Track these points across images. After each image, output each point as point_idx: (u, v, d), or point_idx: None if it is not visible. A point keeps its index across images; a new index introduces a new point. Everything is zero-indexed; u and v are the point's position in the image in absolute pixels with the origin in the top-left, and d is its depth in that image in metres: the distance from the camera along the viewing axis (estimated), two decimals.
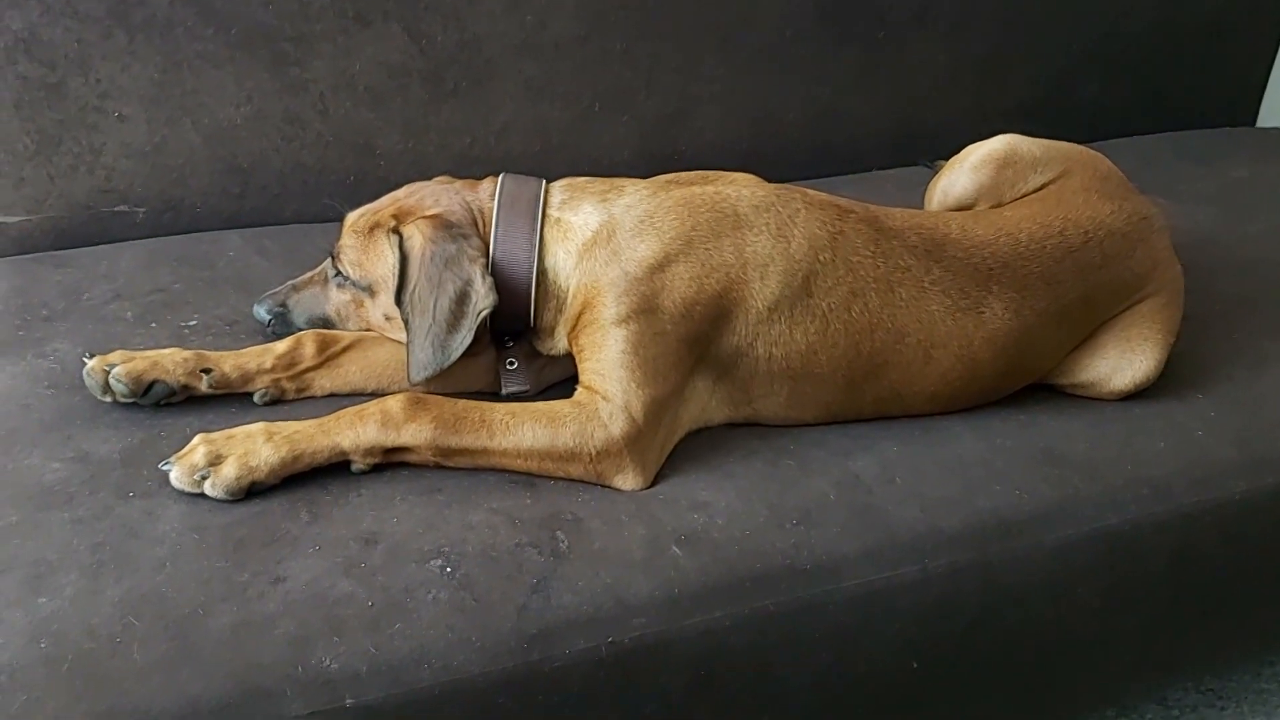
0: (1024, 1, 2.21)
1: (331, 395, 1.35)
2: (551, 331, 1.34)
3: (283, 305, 1.42)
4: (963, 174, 1.54)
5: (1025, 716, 1.46)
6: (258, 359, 1.33)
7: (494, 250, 1.30)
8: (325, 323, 1.41)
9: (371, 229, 1.35)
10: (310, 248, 1.63)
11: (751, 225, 1.30)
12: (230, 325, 1.47)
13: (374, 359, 1.36)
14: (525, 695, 1.08)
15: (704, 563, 1.17)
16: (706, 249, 1.28)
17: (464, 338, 1.27)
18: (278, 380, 1.33)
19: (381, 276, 1.34)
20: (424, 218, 1.31)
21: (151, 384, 1.28)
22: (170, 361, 1.30)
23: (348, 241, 1.37)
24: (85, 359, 1.30)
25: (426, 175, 1.46)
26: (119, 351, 1.31)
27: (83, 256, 1.64)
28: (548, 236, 1.31)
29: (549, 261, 1.31)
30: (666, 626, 1.12)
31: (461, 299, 1.27)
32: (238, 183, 1.79)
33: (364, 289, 1.36)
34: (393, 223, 1.32)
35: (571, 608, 1.11)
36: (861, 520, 1.24)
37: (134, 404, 1.29)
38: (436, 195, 1.35)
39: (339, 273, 1.38)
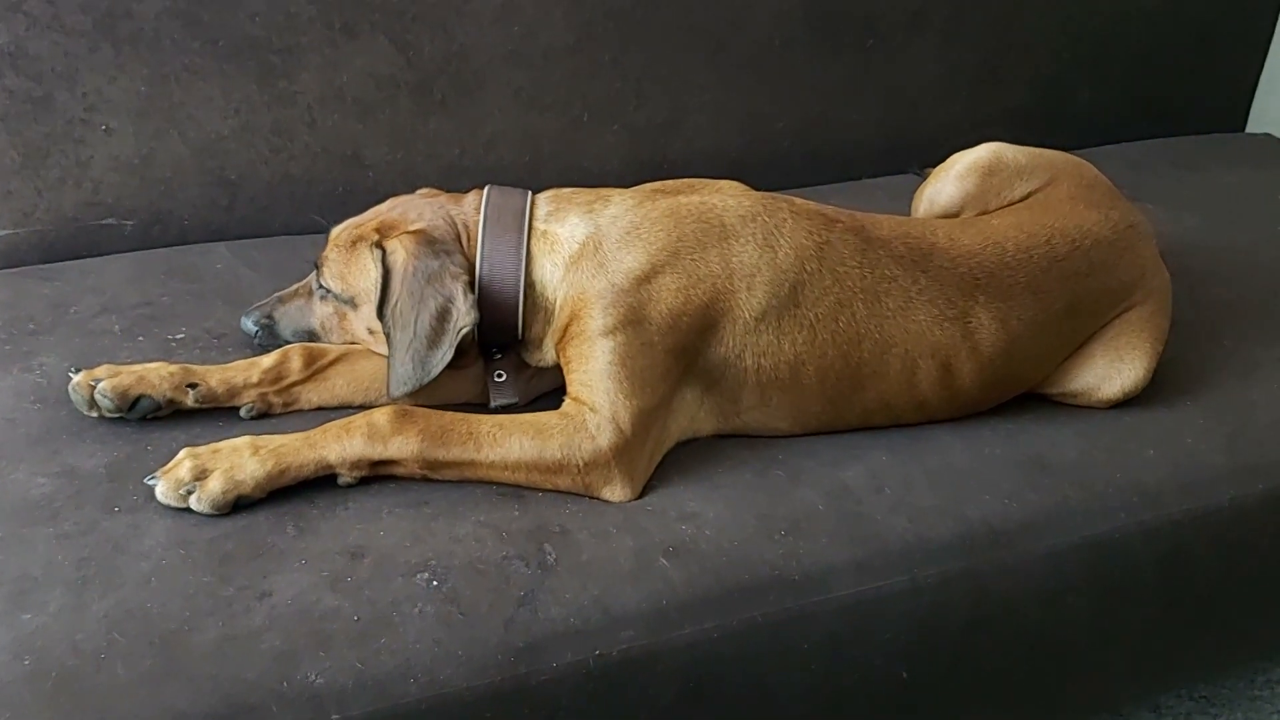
0: (1014, 10, 2.21)
1: (319, 409, 1.35)
2: (540, 343, 1.34)
3: (269, 317, 1.42)
4: (948, 182, 1.55)
5: None
6: (244, 373, 1.32)
7: (481, 264, 1.30)
8: (311, 335, 1.41)
9: (354, 242, 1.34)
10: (298, 260, 1.63)
11: (738, 235, 1.30)
12: (218, 338, 1.46)
13: (361, 372, 1.36)
14: (512, 709, 1.07)
15: (692, 574, 1.16)
16: (693, 260, 1.28)
17: (444, 355, 1.26)
18: (264, 395, 1.32)
19: (364, 290, 1.33)
20: (408, 233, 1.31)
21: (137, 399, 1.28)
22: (156, 376, 1.29)
23: (331, 254, 1.36)
24: (71, 374, 1.30)
25: (415, 186, 1.45)
26: (104, 366, 1.31)
27: (70, 270, 1.63)
28: (534, 249, 1.31)
29: (536, 274, 1.31)
30: (654, 638, 1.12)
31: (442, 316, 1.26)
32: (226, 195, 1.79)
33: (346, 302, 1.36)
34: (375, 237, 1.32)
35: (559, 620, 1.10)
36: (851, 530, 1.24)
37: (120, 419, 1.28)
38: (420, 209, 1.35)
39: (322, 285, 1.37)
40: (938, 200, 1.56)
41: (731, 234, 1.30)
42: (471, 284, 1.29)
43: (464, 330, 1.26)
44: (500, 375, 1.34)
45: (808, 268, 1.30)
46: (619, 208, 1.32)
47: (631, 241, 1.28)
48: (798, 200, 1.37)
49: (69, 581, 1.07)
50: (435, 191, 1.41)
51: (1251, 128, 2.58)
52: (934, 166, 1.64)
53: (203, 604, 1.06)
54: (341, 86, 1.78)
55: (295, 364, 1.34)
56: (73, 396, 1.28)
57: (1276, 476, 1.40)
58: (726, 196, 1.34)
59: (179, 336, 1.47)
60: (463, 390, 1.37)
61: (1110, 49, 2.34)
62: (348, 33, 1.76)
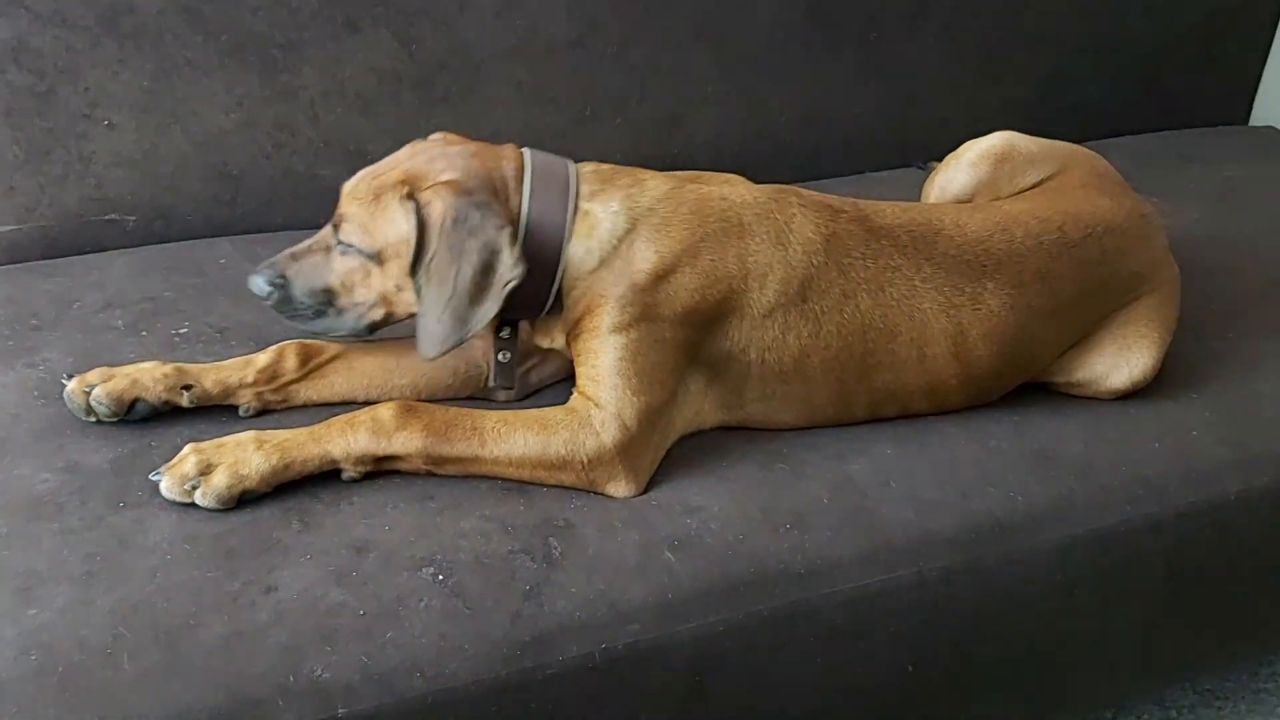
0: (1016, 2, 2.20)
1: (318, 406, 1.34)
2: (549, 326, 1.32)
3: (282, 276, 1.31)
4: (960, 170, 1.54)
5: (1022, 719, 1.45)
6: (239, 372, 1.30)
7: (524, 227, 1.25)
8: (328, 293, 1.31)
9: (378, 194, 1.26)
10: None
11: (754, 234, 1.29)
12: (221, 332, 1.46)
13: (360, 369, 1.34)
14: (518, 702, 1.07)
15: (697, 567, 1.16)
16: (712, 260, 1.26)
17: (488, 309, 1.21)
18: (260, 393, 1.31)
19: (392, 244, 1.25)
20: (442, 183, 1.25)
21: (134, 402, 1.26)
22: (150, 378, 1.27)
23: (351, 209, 1.28)
24: (64, 380, 1.28)
25: None
26: (97, 370, 1.28)
27: (73, 265, 1.63)
28: (576, 227, 1.27)
29: (570, 251, 1.27)
30: (660, 632, 1.12)
31: (486, 269, 1.21)
32: (228, 190, 1.79)
33: (371, 257, 1.27)
34: (405, 188, 1.25)
35: (565, 614, 1.10)
36: (855, 523, 1.24)
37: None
38: (450, 159, 1.27)
39: (342, 241, 1.29)
40: (949, 188, 1.55)
41: (748, 232, 1.29)
42: (514, 238, 1.23)
43: (511, 284, 1.21)
44: (505, 355, 1.32)
45: (815, 261, 1.30)
46: (652, 197, 1.29)
47: (659, 237, 1.26)
48: (804, 191, 1.36)
49: (74, 577, 1.07)
50: (455, 138, 1.33)
51: (1255, 120, 2.57)
52: (937, 160, 1.64)
53: (208, 599, 1.06)
54: (344, 81, 1.78)
55: (290, 362, 1.32)
56: (69, 404, 1.26)
57: None
58: (741, 190, 1.33)
59: (183, 331, 1.46)
60: (440, 380, 1.35)
61: (1112, 41, 2.33)
62: (350, 27, 1.75)
